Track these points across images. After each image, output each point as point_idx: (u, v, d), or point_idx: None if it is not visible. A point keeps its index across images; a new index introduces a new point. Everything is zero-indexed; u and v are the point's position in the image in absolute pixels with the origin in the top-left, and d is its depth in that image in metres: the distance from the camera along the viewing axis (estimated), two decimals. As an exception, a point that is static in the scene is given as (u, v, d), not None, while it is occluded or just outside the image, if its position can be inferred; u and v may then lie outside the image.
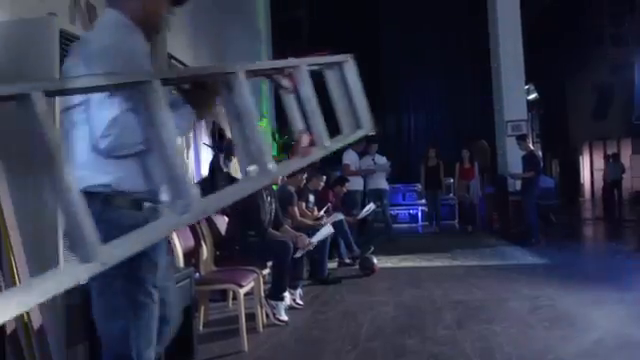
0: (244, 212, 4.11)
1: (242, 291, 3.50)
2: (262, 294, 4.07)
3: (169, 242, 3.89)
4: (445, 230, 10.13)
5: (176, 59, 5.01)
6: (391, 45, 11.71)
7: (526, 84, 9.59)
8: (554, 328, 3.62)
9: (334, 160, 9.53)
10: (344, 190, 7.31)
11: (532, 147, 7.94)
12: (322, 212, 6.20)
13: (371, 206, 7.42)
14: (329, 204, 6.77)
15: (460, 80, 11.50)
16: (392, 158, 10.15)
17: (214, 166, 4.95)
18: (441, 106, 11.71)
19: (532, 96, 10.01)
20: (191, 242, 3.86)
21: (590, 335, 3.46)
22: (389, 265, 6.41)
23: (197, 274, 4.10)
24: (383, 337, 3.54)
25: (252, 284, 3.81)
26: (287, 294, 4.26)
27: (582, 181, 17.67)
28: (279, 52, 10.47)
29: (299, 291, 4.58)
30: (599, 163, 16.29)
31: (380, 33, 11.75)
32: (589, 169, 17.22)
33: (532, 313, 4.00)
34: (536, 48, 9.81)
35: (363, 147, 8.24)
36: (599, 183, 15.77)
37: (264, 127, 9.57)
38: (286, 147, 9.66)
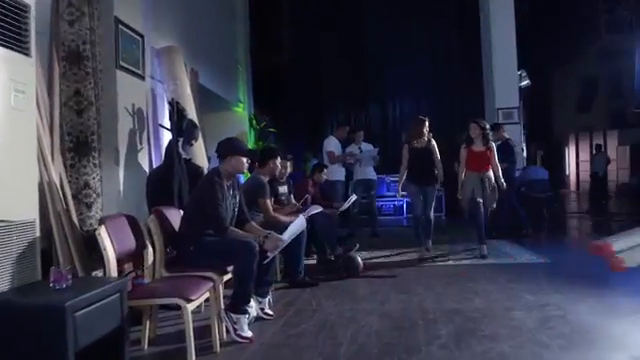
0: (200, 206, 3.34)
1: (190, 306, 2.74)
2: (222, 305, 3.32)
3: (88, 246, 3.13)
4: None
5: (126, 25, 4.19)
6: (376, 29, 10.92)
7: (518, 70, 8.91)
8: (572, 348, 2.94)
9: (312, 148, 8.81)
10: (323, 177, 6.56)
11: (507, 136, 7.24)
12: (299, 204, 5.44)
13: (353, 197, 6.69)
14: (307, 195, 6.01)
15: (448, 65, 10.77)
16: (376, 147, 9.44)
17: (171, 152, 4.15)
18: (428, 93, 10.96)
19: (524, 83, 9.36)
20: (133, 243, 3.08)
21: (618, 358, 2.79)
22: (375, 261, 5.69)
23: (145, 281, 3.34)
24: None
25: (207, 294, 3.05)
26: (253, 303, 3.51)
27: (567, 173, 17.14)
28: (258, 32, 9.65)
29: (268, 299, 3.84)
30: (585, 155, 15.78)
31: (364, 15, 10.95)
32: (574, 161, 16.69)
33: (542, 327, 3.31)
34: (523, 34, 9.10)
35: (346, 134, 7.51)
36: (585, 175, 15.28)
37: (241, 113, 8.76)
38: (262, 134, 8.89)
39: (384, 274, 5.08)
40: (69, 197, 3.34)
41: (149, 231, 3.20)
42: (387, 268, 5.42)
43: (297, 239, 4.46)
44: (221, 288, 3.34)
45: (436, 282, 4.68)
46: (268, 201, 4.67)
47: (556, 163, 16.03)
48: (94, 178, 3.53)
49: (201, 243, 3.31)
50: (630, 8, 12.51)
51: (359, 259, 5.15)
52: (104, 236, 2.72)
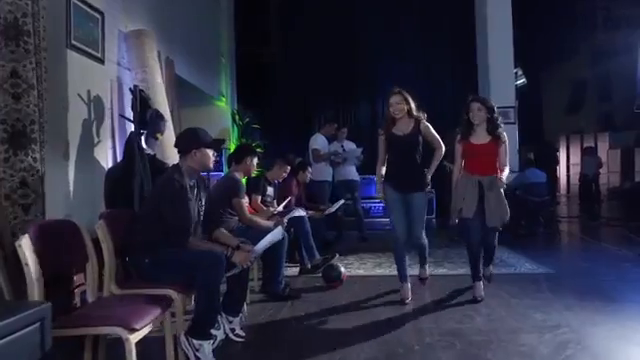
0: (157, 211, 2.77)
1: (134, 337, 2.17)
2: (181, 329, 2.75)
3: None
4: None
5: (86, 2, 3.60)
6: (367, 23, 10.37)
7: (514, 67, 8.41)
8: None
9: (299, 146, 8.22)
10: (307, 176, 6.01)
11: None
12: (281, 207, 4.89)
13: (341, 201, 6.16)
14: (290, 197, 5.46)
15: (442, 62, 10.26)
16: (365, 146, 8.90)
17: (131, 146, 3.56)
18: (420, 91, 10.38)
19: (520, 81, 8.90)
20: (70, 255, 2.50)
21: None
22: (361, 273, 5.14)
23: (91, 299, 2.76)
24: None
25: (157, 320, 2.48)
26: (222, 323, 2.96)
27: (558, 175, 16.75)
28: (243, 23, 9.05)
29: (240, 317, 3.27)
30: (576, 157, 15.37)
31: (356, 9, 10.40)
32: (565, 163, 16.28)
33: (558, 355, 2.79)
34: (516, 31, 8.61)
35: (334, 132, 6.96)
36: (576, 178, 14.88)
37: (223, 107, 8.18)
38: (246, 131, 8.31)
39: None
40: (1, 197, 2.76)
41: (92, 240, 2.62)
42: (376, 279, 4.88)
43: (277, 246, 3.93)
44: (181, 307, 2.76)
45: (432, 296, 4.15)
46: (243, 201, 4.11)
47: (547, 166, 15.62)
48: (33, 175, 2.94)
49: (157, 254, 2.75)
50: (627, 6, 12.09)
51: (342, 268, 4.60)
52: (26, 248, 2.14)
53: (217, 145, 2.96)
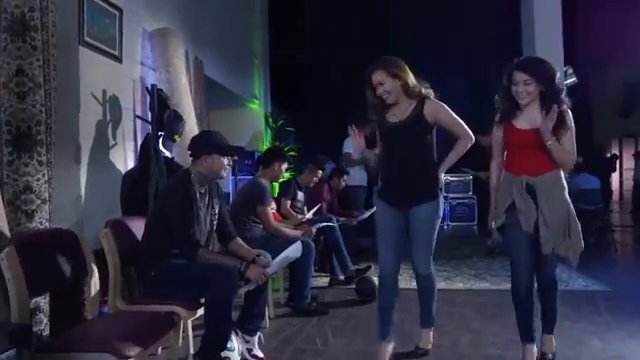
0: (164, 219, 2.51)
1: (125, 367, 1.89)
2: (190, 351, 2.47)
3: None
4: (460, 232, 8.48)
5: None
6: (405, 24, 9.93)
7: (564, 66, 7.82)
8: None
9: (334, 149, 7.87)
10: (342, 184, 5.67)
11: None
12: (310, 214, 4.58)
13: (374, 208, 5.79)
14: (321, 203, 5.14)
15: (484, 64, 9.68)
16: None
17: (147, 149, 3.33)
18: (460, 94, 9.91)
19: (570, 80, 8.28)
20: (65, 269, 2.26)
21: None
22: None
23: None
24: None
25: (162, 340, 2.21)
26: (236, 344, 2.66)
27: (611, 181, 15.82)
28: (277, 25, 8.81)
29: (259, 336, 2.97)
30: (629, 162, 14.43)
31: (393, 10, 10.00)
32: (618, 168, 15.33)
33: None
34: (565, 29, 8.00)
35: (367, 133, 6.59)
36: (629, 184, 13.97)
37: (256, 110, 7.95)
38: (280, 134, 8.05)
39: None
40: (1, 203, 2.55)
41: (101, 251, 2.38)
42: (412, 294, 4.48)
43: (304, 256, 3.62)
44: (189, 327, 2.48)
45: (472, 314, 3.75)
46: (269, 209, 3.82)
47: (598, 171, 14.76)
48: (39, 180, 2.73)
49: (165, 268, 2.48)
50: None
51: (376, 281, 4.22)
52: (10, 261, 1.90)
53: (232, 151, 2.67)
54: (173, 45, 4.57)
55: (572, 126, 2.54)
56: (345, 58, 9.86)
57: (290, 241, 3.74)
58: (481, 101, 9.73)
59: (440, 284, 4.69)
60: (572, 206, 2.56)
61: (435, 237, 2.80)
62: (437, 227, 2.78)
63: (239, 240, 2.85)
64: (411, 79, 2.78)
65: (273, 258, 3.76)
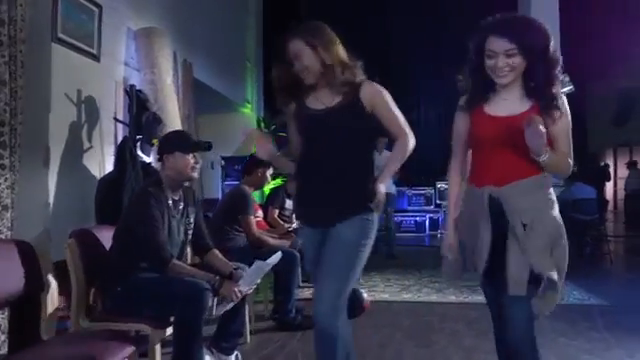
0: (131, 230, 2.30)
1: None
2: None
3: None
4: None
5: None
6: (402, 33, 9.79)
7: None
8: None
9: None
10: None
11: None
12: (295, 224, 4.37)
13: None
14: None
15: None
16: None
17: (123, 153, 3.12)
18: (456, 102, 9.78)
19: (567, 88, 8.10)
20: (18, 284, 2.04)
21: None
22: (385, 297, 4.55)
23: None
24: None
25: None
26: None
27: (604, 190, 15.67)
28: (272, 28, 8.61)
29: (235, 356, 2.75)
30: (623, 171, 14.30)
31: (390, 17, 9.83)
32: (612, 178, 15.18)
33: None
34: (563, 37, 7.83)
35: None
36: (622, 193, 13.83)
37: (248, 114, 7.75)
38: (272, 139, 7.82)
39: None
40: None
41: (51, 262, 2.16)
42: (402, 307, 4.28)
43: (289, 267, 3.44)
44: (157, 350, 2.27)
45: (464, 330, 3.54)
46: (252, 217, 3.61)
47: (593, 180, 14.62)
48: (0, 185, 2.52)
49: (132, 282, 2.27)
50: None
51: (364, 294, 4.00)
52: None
53: (194, 147, 2.45)
54: (159, 45, 4.37)
55: (568, 112, 1.76)
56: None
57: (274, 251, 3.56)
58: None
59: (432, 297, 4.51)
60: (563, 227, 1.76)
61: (356, 268, 1.98)
62: (361, 256, 1.96)
63: (216, 252, 2.64)
64: (341, 54, 2.01)
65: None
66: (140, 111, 3.29)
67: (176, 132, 2.60)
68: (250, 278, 2.56)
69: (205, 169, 6.99)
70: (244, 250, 3.56)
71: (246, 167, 3.81)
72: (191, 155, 2.40)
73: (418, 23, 9.54)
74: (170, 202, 2.40)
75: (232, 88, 7.01)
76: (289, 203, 4.84)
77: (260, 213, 4.39)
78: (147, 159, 3.34)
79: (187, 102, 5.42)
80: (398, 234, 8.43)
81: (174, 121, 4.23)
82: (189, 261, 2.87)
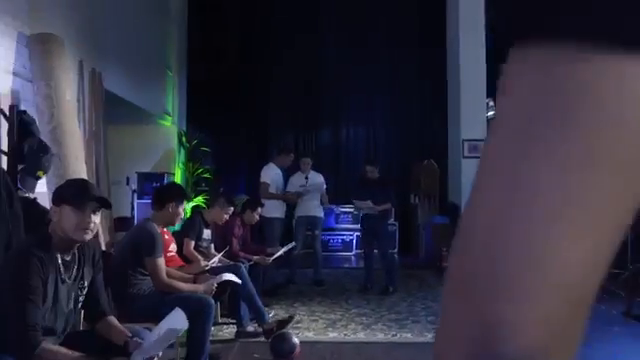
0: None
1: None
2: None
3: None
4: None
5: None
6: (333, 45, 9.56)
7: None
8: None
9: (254, 172, 7.21)
10: (256, 217, 5.06)
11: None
12: (216, 259, 3.93)
13: (291, 244, 5.27)
14: (230, 245, 4.50)
15: (410, 91, 9.53)
16: (325, 174, 8.06)
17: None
18: (386, 120, 9.70)
19: (492, 113, 8.27)
20: None
21: None
22: (310, 336, 4.20)
23: None
24: None
25: None
26: None
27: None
28: (197, 35, 8.09)
29: None
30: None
31: (322, 31, 9.57)
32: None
33: None
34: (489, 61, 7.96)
35: (290, 162, 6.04)
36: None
37: (168, 127, 7.18)
38: (194, 154, 7.32)
39: None
40: None
41: None
42: (325, 348, 3.95)
43: (202, 316, 3.03)
44: None
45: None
46: (160, 260, 3.13)
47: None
48: None
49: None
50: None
51: (295, 339, 3.63)
52: None
53: (83, 201, 1.96)
54: (57, 54, 3.79)
55: None
56: (269, 75, 9.32)
57: (185, 299, 3.11)
58: (407, 127, 9.60)
59: (359, 334, 4.23)
60: None
61: None
62: None
63: (111, 319, 2.17)
64: None
65: (164, 315, 3.09)
66: (22, 137, 2.73)
67: (72, 182, 2.12)
68: (152, 347, 2.12)
69: (119, 184, 6.36)
70: (151, 297, 3.08)
71: (155, 200, 3.33)
72: (84, 212, 1.94)
73: (350, 43, 9.37)
74: (60, 263, 1.92)
75: (149, 99, 6.42)
76: (207, 233, 4.39)
77: (173, 246, 3.91)
78: (30, 195, 2.79)
79: (95, 116, 4.83)
80: (325, 253, 8.16)
81: (71, 142, 3.67)
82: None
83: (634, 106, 0.28)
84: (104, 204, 2.06)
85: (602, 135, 0.28)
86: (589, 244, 0.28)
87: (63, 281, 1.98)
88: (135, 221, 6.09)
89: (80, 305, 2.11)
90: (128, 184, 6.59)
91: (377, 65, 9.48)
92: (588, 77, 0.28)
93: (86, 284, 2.11)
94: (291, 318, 4.12)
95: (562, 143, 0.29)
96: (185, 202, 3.38)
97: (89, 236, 1.99)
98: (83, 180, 2.11)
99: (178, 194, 3.33)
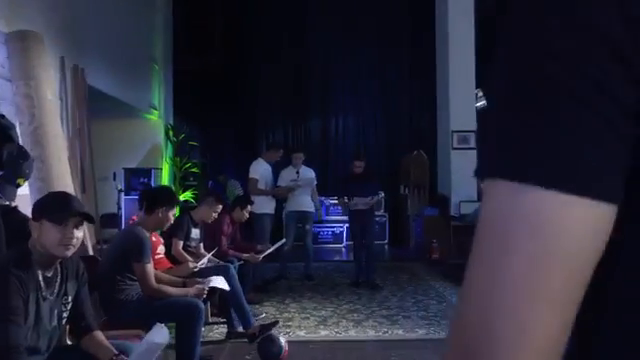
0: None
1: None
2: None
3: None
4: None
5: None
6: (322, 37, 9.42)
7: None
8: None
9: (243, 167, 7.12)
10: (246, 215, 4.99)
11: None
12: (205, 259, 3.86)
13: (282, 241, 5.22)
14: (218, 248, 4.44)
15: (399, 82, 9.46)
16: (315, 166, 7.99)
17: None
18: (375, 111, 9.64)
19: (480, 103, 8.25)
20: None
21: None
22: (302, 335, 4.17)
23: None
24: None
25: None
26: None
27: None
28: (184, 27, 7.93)
29: None
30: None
31: (310, 21, 9.44)
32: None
33: None
34: (488, 49, 7.90)
35: (279, 158, 5.96)
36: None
37: (155, 121, 7.05)
38: (181, 148, 7.21)
39: None
40: None
41: None
42: (317, 347, 3.92)
43: (192, 321, 2.99)
44: None
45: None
46: (149, 266, 3.06)
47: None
48: None
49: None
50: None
51: (282, 340, 3.60)
52: None
53: (62, 216, 1.89)
54: (37, 52, 3.67)
55: None
56: (258, 68, 9.19)
57: (174, 304, 3.06)
58: (395, 117, 9.54)
59: (350, 332, 4.21)
60: None
61: None
62: None
63: (98, 335, 2.11)
64: None
65: (153, 321, 3.02)
66: (1, 143, 2.63)
67: (53, 196, 2.04)
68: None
69: (106, 180, 6.25)
70: (138, 303, 3.02)
71: (145, 204, 3.25)
72: (65, 228, 1.87)
73: (339, 34, 9.25)
74: (41, 280, 1.85)
75: (135, 94, 6.28)
76: (195, 232, 4.32)
77: (162, 248, 3.84)
78: (9, 203, 2.69)
79: (79, 114, 4.71)
80: (315, 245, 8.12)
81: (54, 143, 3.57)
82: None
83: (563, 237, 0.35)
84: (87, 218, 1.98)
85: (536, 264, 0.35)
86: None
87: (45, 298, 1.91)
88: (122, 218, 6.00)
89: (64, 321, 2.04)
90: (115, 180, 6.48)
91: (366, 57, 9.39)
92: (525, 210, 0.35)
93: (70, 299, 2.04)
94: (276, 322, 4.09)
95: (500, 269, 0.36)
96: (174, 208, 3.30)
97: (71, 252, 1.92)
98: (64, 194, 2.03)
99: (169, 199, 3.26)
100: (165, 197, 3.26)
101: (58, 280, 1.99)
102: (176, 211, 3.38)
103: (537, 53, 0.36)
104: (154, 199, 3.23)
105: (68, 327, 2.16)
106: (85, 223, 2.02)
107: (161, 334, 2.17)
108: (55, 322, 1.98)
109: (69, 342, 2.28)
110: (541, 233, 0.35)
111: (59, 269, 2.00)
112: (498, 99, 0.38)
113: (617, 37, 0.34)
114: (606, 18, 0.34)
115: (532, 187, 0.35)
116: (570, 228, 0.35)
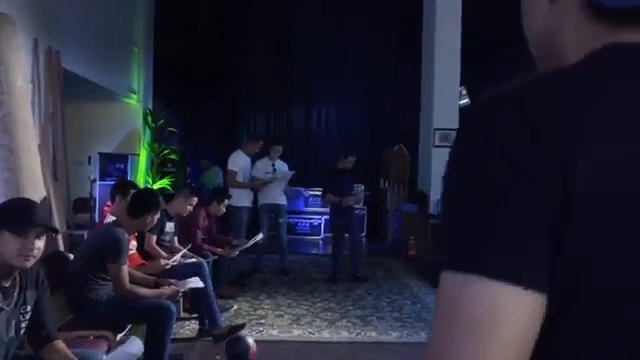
0: None
1: None
2: None
3: None
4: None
5: None
6: (307, 26, 9.25)
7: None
8: None
9: (223, 155, 6.96)
10: (222, 210, 4.90)
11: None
12: (178, 256, 3.78)
13: (259, 236, 5.14)
14: (193, 239, 4.35)
15: (384, 77, 9.39)
16: (296, 157, 7.92)
17: None
18: (358, 105, 9.56)
19: (463, 101, 8.22)
20: None
21: None
22: (274, 334, 4.12)
23: None
24: None
25: None
26: None
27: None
28: (165, 9, 7.69)
29: None
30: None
31: (295, 9, 9.26)
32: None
33: None
34: (472, 48, 7.82)
35: (259, 150, 5.86)
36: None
37: (133, 105, 6.86)
38: (160, 134, 7.04)
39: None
40: None
41: None
42: (289, 347, 3.89)
43: (163, 317, 2.93)
44: None
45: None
46: (124, 267, 2.96)
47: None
48: None
49: None
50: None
51: (250, 340, 3.54)
52: None
53: (23, 227, 1.80)
54: (7, 34, 3.49)
55: None
56: (241, 53, 9.00)
57: (146, 306, 2.97)
58: (378, 112, 9.47)
59: (323, 333, 4.18)
60: None
61: None
62: None
63: (58, 344, 2.02)
64: None
65: (123, 322, 2.96)
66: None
67: (13, 204, 1.92)
68: None
69: (80, 165, 6.08)
70: (109, 303, 2.93)
71: (132, 209, 3.13)
72: (26, 239, 1.76)
73: (325, 22, 9.11)
74: (-2, 290, 1.76)
75: (113, 77, 6.07)
76: (170, 226, 4.22)
77: (134, 244, 3.73)
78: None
79: (53, 98, 4.53)
80: (293, 236, 8.08)
81: (25, 132, 3.42)
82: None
83: (500, 322, 0.42)
84: (50, 229, 1.88)
85: (471, 341, 0.42)
86: None
87: (1, 309, 1.82)
88: (96, 204, 5.85)
89: (23, 331, 1.95)
90: (90, 164, 6.31)
91: (351, 49, 9.28)
92: (461, 297, 0.43)
93: (29, 308, 1.95)
94: (243, 325, 4.04)
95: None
96: (157, 213, 3.22)
97: (31, 262, 1.82)
98: (27, 202, 1.92)
99: (155, 205, 3.17)
100: (152, 203, 3.18)
101: (16, 290, 1.89)
102: (158, 215, 3.27)
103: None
104: (144, 205, 3.13)
105: (27, 339, 2.07)
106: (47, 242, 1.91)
107: (135, 346, 2.10)
108: (12, 332, 1.88)
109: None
110: (479, 320, 0.42)
111: (17, 278, 1.90)
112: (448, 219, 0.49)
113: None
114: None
115: (470, 276, 0.43)
116: (505, 312, 0.42)
